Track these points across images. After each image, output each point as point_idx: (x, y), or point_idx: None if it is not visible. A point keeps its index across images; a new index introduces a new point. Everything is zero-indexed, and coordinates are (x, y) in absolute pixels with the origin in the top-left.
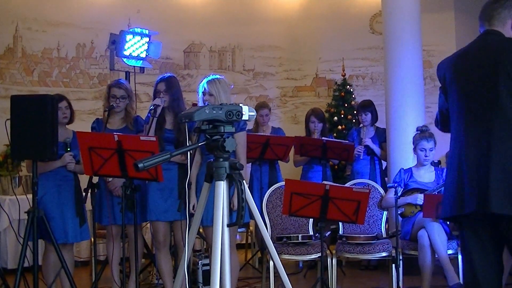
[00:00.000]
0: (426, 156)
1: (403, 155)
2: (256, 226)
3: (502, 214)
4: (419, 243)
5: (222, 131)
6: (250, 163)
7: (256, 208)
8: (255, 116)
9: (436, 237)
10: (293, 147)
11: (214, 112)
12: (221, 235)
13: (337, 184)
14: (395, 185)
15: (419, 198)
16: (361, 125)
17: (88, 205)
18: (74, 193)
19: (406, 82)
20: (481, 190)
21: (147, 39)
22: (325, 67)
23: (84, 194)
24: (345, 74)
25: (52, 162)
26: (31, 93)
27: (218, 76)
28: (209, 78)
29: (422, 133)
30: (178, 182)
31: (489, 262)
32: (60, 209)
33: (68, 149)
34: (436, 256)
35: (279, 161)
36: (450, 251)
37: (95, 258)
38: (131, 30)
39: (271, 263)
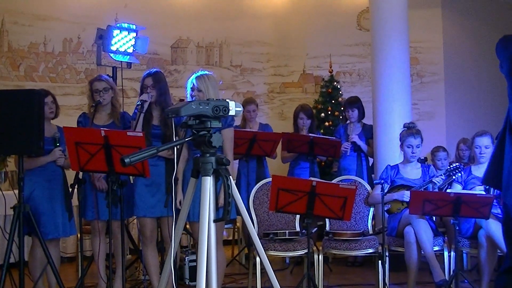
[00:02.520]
0: (413, 153)
1: (390, 152)
2: (243, 222)
3: None
4: (405, 240)
5: (209, 126)
6: (238, 160)
7: (243, 204)
8: (241, 112)
9: (423, 234)
10: (280, 143)
11: (201, 107)
12: (208, 231)
13: (324, 181)
14: (382, 181)
15: (406, 195)
16: (348, 121)
17: (74, 201)
18: (63, 188)
19: (393, 79)
20: None
21: (134, 34)
22: (312, 63)
23: (70, 189)
24: (332, 70)
25: (42, 158)
26: (17, 87)
27: (206, 72)
28: (198, 74)
29: (409, 130)
30: (166, 177)
31: None
32: (50, 204)
33: (57, 144)
34: (422, 252)
35: (266, 158)
36: (436, 248)
37: (81, 254)
38: (118, 25)
39: (257, 259)
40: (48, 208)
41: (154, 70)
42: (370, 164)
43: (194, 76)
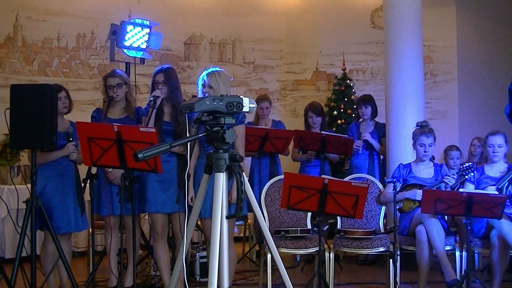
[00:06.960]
0: (425, 152)
1: (402, 150)
2: (255, 219)
3: None
4: (417, 239)
5: (223, 122)
6: (250, 157)
7: (255, 200)
8: (255, 108)
9: (434, 233)
10: (292, 140)
11: (215, 103)
12: (220, 227)
13: (335, 178)
14: (394, 180)
15: (418, 194)
16: (360, 119)
17: (86, 196)
18: (75, 182)
19: (406, 77)
20: None
21: (147, 30)
22: (325, 61)
23: (82, 184)
24: (345, 68)
25: (55, 152)
26: (30, 82)
27: (217, 69)
28: (209, 70)
29: (422, 129)
30: (177, 173)
31: None
32: (62, 198)
33: (71, 139)
34: (434, 251)
35: (279, 155)
36: (447, 247)
37: (93, 249)
38: (131, 20)
39: (268, 256)
40: (61, 202)
41: (166, 66)
42: (382, 163)
43: (205, 72)
